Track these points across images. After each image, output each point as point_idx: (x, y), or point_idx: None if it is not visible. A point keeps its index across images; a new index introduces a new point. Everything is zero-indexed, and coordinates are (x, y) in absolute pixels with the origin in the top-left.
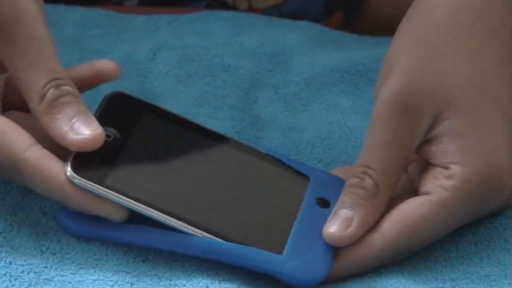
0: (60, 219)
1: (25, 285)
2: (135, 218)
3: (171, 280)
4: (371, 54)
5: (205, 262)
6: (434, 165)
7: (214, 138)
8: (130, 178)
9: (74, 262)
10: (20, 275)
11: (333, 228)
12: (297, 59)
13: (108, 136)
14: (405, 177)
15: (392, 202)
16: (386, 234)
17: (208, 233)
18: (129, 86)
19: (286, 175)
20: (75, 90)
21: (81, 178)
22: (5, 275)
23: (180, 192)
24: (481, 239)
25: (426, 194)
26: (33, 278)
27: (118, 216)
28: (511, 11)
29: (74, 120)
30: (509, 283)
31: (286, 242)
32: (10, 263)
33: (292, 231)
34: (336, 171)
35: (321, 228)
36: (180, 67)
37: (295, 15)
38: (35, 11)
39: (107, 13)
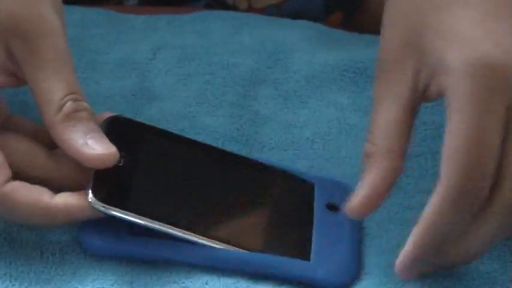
0: (85, 240)
1: (25, 285)
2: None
3: (170, 278)
4: (371, 53)
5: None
6: None
7: (217, 154)
8: (149, 200)
9: (73, 262)
10: (20, 274)
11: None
12: (297, 56)
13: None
14: None
15: None
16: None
17: (234, 246)
18: (129, 86)
19: (293, 184)
20: (90, 109)
21: (105, 205)
22: (5, 274)
23: (199, 209)
24: None
25: None
26: (33, 277)
27: None
28: None
29: (88, 136)
30: (510, 280)
31: (310, 248)
32: (10, 263)
33: (313, 238)
34: None
35: (339, 232)
36: (180, 67)
37: (296, 14)
38: (59, 25)
39: (107, 13)
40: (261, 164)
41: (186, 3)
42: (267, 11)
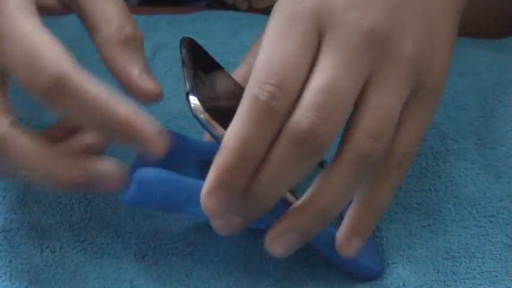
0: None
1: (25, 284)
2: None
3: (171, 276)
4: None
5: (205, 256)
6: None
7: None
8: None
9: (73, 260)
10: (20, 273)
11: None
12: None
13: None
14: None
15: None
16: None
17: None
18: None
19: None
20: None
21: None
22: (5, 273)
23: None
24: (483, 233)
25: None
26: (33, 276)
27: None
28: None
29: (144, 69)
30: (511, 279)
31: None
32: (10, 261)
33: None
34: None
35: None
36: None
37: None
38: None
39: None
40: None
41: (186, 4)
42: (267, 11)
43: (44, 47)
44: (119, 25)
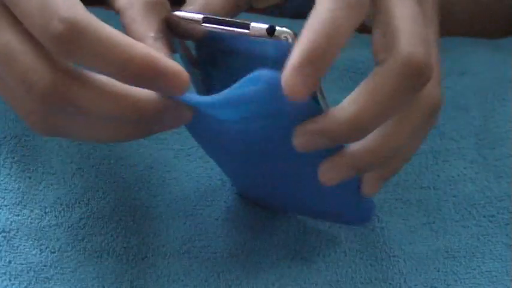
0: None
1: (24, 284)
2: None
3: (169, 276)
4: (370, 53)
5: (204, 256)
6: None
7: None
8: None
9: (73, 260)
10: (20, 274)
11: None
12: None
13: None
14: None
15: None
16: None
17: None
18: None
19: None
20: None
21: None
22: (5, 274)
23: None
24: (483, 232)
25: None
26: (33, 276)
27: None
28: None
29: (161, 35)
30: (511, 279)
31: None
32: (9, 262)
33: None
34: None
35: None
36: None
37: (296, 14)
38: None
39: (107, 13)
40: None
41: None
42: (267, 11)
43: None
44: None
